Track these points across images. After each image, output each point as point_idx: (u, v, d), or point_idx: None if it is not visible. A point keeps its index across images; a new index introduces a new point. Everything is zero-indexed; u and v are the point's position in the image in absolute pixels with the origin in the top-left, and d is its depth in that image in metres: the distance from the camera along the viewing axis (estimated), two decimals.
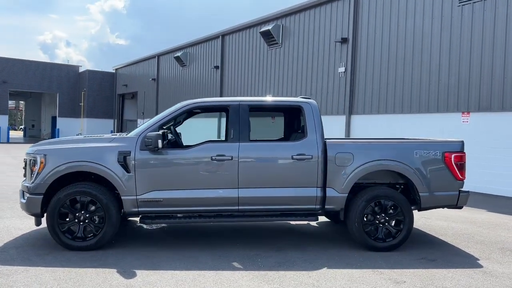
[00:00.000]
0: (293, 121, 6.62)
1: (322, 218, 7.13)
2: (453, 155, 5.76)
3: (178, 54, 26.33)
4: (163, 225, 6.75)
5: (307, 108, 5.82)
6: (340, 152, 5.65)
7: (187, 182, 5.47)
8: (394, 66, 13.81)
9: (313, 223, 7.18)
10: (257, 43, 20.03)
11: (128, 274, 4.56)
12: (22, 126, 54.87)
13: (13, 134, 46.38)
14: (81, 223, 5.30)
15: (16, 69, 34.72)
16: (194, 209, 5.55)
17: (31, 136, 43.52)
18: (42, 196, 5.27)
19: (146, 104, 31.30)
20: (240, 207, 5.53)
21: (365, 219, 5.62)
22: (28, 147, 5.89)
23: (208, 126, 16.45)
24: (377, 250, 5.55)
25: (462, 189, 5.89)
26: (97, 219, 5.34)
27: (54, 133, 36.92)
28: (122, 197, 5.35)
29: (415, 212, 6.13)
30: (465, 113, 11.82)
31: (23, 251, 5.23)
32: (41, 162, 5.30)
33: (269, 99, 6.54)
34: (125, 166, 5.34)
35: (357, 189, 5.74)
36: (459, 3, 11.94)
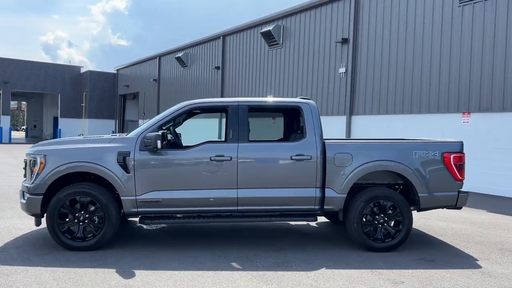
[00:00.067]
0: (293, 122, 6.63)
1: (322, 219, 7.14)
2: (452, 156, 5.76)
3: (179, 54, 26.37)
4: (163, 225, 6.77)
5: (306, 109, 5.82)
6: (339, 153, 5.66)
7: (186, 182, 5.48)
8: (395, 67, 13.80)
9: (313, 224, 7.19)
10: (258, 44, 20.05)
11: (127, 274, 4.58)
12: (24, 127, 55.00)
13: (15, 134, 46.54)
14: (81, 223, 5.32)
15: (18, 70, 34.82)
16: (193, 209, 5.57)
17: (33, 137, 43.62)
18: (42, 197, 5.29)
19: (148, 104, 31.35)
20: (239, 208, 5.55)
21: (364, 219, 5.63)
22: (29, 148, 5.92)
23: (209, 127, 16.48)
24: (376, 250, 5.56)
25: (461, 189, 5.89)
26: (96, 219, 5.36)
27: (56, 134, 37.01)
28: (122, 198, 5.37)
29: (415, 213, 6.13)
30: (465, 113, 11.81)
31: (23, 251, 5.26)
32: (41, 163, 5.32)
33: (268, 99, 6.55)
34: (124, 166, 5.36)
35: (356, 189, 5.75)
36: (459, 3, 11.93)
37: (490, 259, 5.42)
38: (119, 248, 5.49)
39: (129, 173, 5.35)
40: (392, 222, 5.67)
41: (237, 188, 5.50)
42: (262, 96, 18.93)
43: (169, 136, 6.21)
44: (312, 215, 5.74)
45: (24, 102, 55.81)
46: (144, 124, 5.82)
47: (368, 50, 14.71)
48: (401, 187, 6.08)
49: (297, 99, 6.11)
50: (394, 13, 13.82)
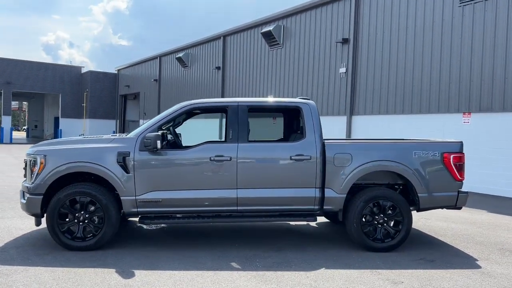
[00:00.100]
0: (292, 122, 6.63)
1: (322, 219, 7.14)
2: (452, 156, 5.76)
3: (180, 55, 26.39)
4: (163, 225, 6.78)
5: (306, 109, 5.82)
6: (338, 153, 5.66)
7: (186, 182, 5.49)
8: (395, 67, 13.80)
9: (313, 224, 7.19)
10: (258, 44, 20.06)
11: (126, 274, 4.58)
12: (25, 127, 55.06)
13: (16, 134, 46.59)
14: (81, 224, 5.33)
15: (19, 70, 34.86)
16: (193, 209, 5.58)
17: (34, 137, 43.66)
18: (42, 197, 5.30)
19: (148, 104, 31.37)
20: (238, 208, 5.55)
21: (363, 219, 5.63)
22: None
23: (210, 127, 16.49)
24: (375, 250, 5.56)
25: (461, 189, 5.89)
26: (96, 219, 5.37)
27: (56, 134, 37.05)
28: (122, 198, 5.37)
29: (415, 213, 6.13)
30: (466, 113, 11.81)
31: (23, 251, 5.27)
32: (41, 163, 5.33)
33: (267, 100, 6.55)
34: (124, 166, 5.37)
35: (355, 189, 5.75)
36: (460, 3, 11.93)
37: (490, 259, 5.42)
38: (119, 248, 5.49)
39: (129, 173, 5.36)
40: (392, 222, 5.68)
41: (236, 188, 5.50)
42: (263, 96, 18.94)
43: (169, 136, 6.22)
44: (311, 215, 5.74)
45: (25, 102, 55.90)
46: (144, 124, 5.83)
47: (368, 50, 14.70)
48: (400, 187, 6.08)
49: (297, 99, 6.11)
50: (395, 13, 13.82)
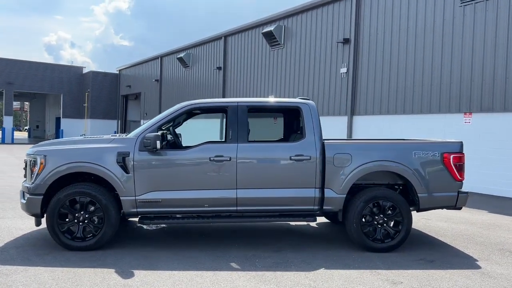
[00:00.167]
0: (292, 122, 6.63)
1: (322, 219, 7.14)
2: (452, 156, 5.75)
3: (181, 55, 26.41)
4: (163, 225, 6.78)
5: (305, 109, 5.82)
6: (338, 153, 5.65)
7: (185, 182, 5.49)
8: (396, 67, 13.79)
9: (313, 224, 7.19)
10: (259, 44, 20.06)
11: (126, 274, 4.59)
12: (27, 127, 55.17)
13: (18, 134, 46.68)
14: (81, 224, 5.34)
15: (21, 71, 34.92)
16: (192, 209, 5.58)
17: (36, 137, 43.72)
18: (42, 197, 5.31)
19: (149, 105, 31.40)
20: (238, 208, 5.55)
21: (363, 220, 5.62)
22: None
23: (212, 127, 16.49)
24: (375, 251, 5.55)
25: (461, 190, 5.88)
26: (96, 219, 5.37)
27: (58, 134, 37.10)
28: (121, 198, 5.38)
29: (415, 213, 6.12)
30: (467, 113, 11.79)
31: (23, 251, 5.28)
32: (41, 163, 5.34)
33: (267, 100, 6.56)
34: (124, 167, 5.37)
35: (355, 190, 5.75)
36: (461, 3, 11.91)
37: (489, 260, 5.41)
38: (118, 248, 5.50)
39: (129, 174, 5.37)
40: (392, 223, 5.67)
41: (236, 189, 5.50)
42: (264, 96, 18.95)
43: (169, 137, 6.22)
44: (311, 216, 5.74)
45: (27, 103, 56.01)
46: (144, 125, 5.83)
47: (369, 50, 14.69)
48: (400, 187, 6.07)
49: (297, 100, 6.11)
50: (396, 13, 13.80)
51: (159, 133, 5.51)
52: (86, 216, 5.33)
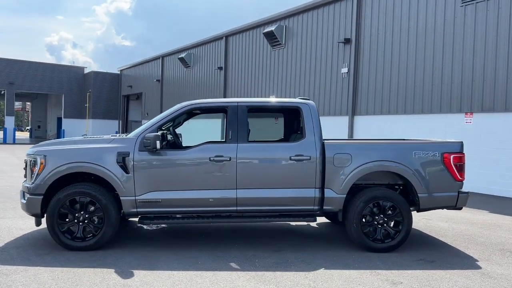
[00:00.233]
0: (292, 122, 6.63)
1: (322, 219, 7.13)
2: (452, 156, 5.74)
3: (182, 55, 26.42)
4: (163, 225, 6.79)
5: (305, 109, 5.82)
6: (338, 153, 5.65)
7: (185, 182, 5.49)
8: (397, 67, 13.77)
9: (313, 224, 7.18)
10: (260, 44, 20.06)
11: (125, 274, 4.59)
12: (29, 127, 55.25)
13: (20, 135, 46.74)
14: (81, 224, 5.34)
15: (22, 71, 34.97)
16: (192, 209, 5.58)
17: (37, 137, 43.77)
18: (42, 197, 5.32)
19: (151, 105, 31.43)
20: (238, 208, 5.55)
21: (363, 220, 5.62)
22: None
23: (212, 127, 16.49)
24: (375, 251, 5.54)
25: (461, 190, 5.87)
26: (96, 219, 5.38)
27: (59, 134, 37.14)
28: (121, 198, 5.38)
29: (416, 213, 6.11)
30: (468, 113, 11.77)
31: (23, 251, 5.28)
32: (41, 163, 5.35)
33: (267, 100, 6.54)
34: (124, 167, 5.38)
35: (355, 190, 5.74)
36: (462, 3, 11.89)
37: (490, 260, 5.40)
38: (118, 248, 5.50)
39: (129, 174, 5.37)
40: (392, 223, 5.66)
41: (236, 189, 5.50)
42: (265, 96, 18.94)
43: (169, 137, 6.22)
44: (311, 216, 5.73)
45: (28, 103, 56.06)
46: (144, 125, 5.83)
47: (370, 50, 14.68)
48: (400, 187, 6.07)
49: (297, 100, 6.11)
50: (397, 13, 13.79)
51: (159, 133, 5.52)
52: (86, 216, 5.34)
